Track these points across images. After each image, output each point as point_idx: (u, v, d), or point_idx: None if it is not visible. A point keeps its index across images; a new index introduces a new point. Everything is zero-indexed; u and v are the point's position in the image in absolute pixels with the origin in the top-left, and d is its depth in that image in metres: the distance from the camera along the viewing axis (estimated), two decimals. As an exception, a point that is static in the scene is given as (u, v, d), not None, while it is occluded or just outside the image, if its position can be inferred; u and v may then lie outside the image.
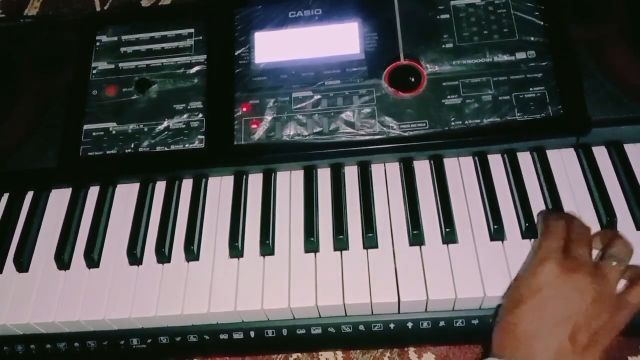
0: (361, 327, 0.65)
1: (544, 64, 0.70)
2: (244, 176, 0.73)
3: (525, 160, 0.70)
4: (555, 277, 0.54)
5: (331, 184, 0.71)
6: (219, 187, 0.73)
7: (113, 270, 0.68)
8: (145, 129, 0.73)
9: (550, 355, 0.52)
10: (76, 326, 0.67)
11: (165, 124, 0.73)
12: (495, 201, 0.66)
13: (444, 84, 0.71)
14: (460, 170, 0.70)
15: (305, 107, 0.72)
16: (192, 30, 0.78)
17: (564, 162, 0.70)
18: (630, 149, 0.69)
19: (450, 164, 0.71)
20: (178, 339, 0.67)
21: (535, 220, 0.64)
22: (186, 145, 0.72)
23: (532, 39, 0.72)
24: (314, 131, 0.71)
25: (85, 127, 0.75)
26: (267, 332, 0.66)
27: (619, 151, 0.69)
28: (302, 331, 0.66)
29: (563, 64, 0.70)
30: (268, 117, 0.72)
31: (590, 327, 0.53)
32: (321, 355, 0.71)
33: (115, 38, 0.79)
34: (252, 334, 0.66)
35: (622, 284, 0.57)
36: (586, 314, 0.53)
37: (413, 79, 0.71)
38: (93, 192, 0.75)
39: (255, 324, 0.66)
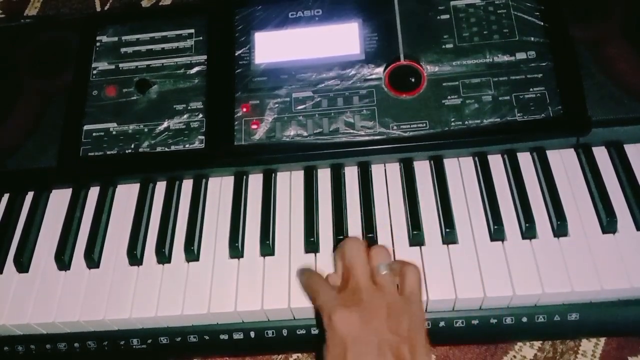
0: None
1: (544, 64, 0.70)
2: (244, 176, 0.73)
3: (525, 160, 0.70)
4: (347, 321, 0.54)
5: (331, 185, 0.71)
6: (219, 188, 0.73)
7: (113, 270, 0.68)
8: (146, 130, 0.73)
9: None
10: (76, 326, 0.67)
11: (165, 124, 0.73)
12: (495, 201, 0.66)
13: (444, 84, 0.71)
14: (460, 170, 0.71)
15: (306, 108, 0.72)
16: (192, 30, 0.78)
17: (564, 162, 0.70)
18: (630, 149, 0.69)
19: (450, 165, 0.71)
20: (178, 339, 0.67)
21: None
22: (186, 146, 0.72)
23: (532, 39, 0.72)
24: (314, 132, 0.71)
25: (86, 127, 0.75)
26: (267, 332, 0.66)
27: (619, 151, 0.69)
28: (302, 331, 0.66)
29: (563, 64, 0.70)
30: (268, 118, 0.72)
31: (402, 337, 0.53)
32: (321, 355, 0.71)
33: (116, 38, 0.79)
34: (252, 334, 0.66)
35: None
36: (391, 330, 0.53)
37: (413, 80, 0.71)
38: (93, 192, 0.75)
39: (255, 324, 0.66)
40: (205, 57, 0.76)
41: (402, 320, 0.54)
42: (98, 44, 0.79)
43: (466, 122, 0.69)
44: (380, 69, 0.72)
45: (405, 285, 0.57)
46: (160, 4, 1.05)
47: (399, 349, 0.52)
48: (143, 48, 0.78)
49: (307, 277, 0.62)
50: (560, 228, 0.64)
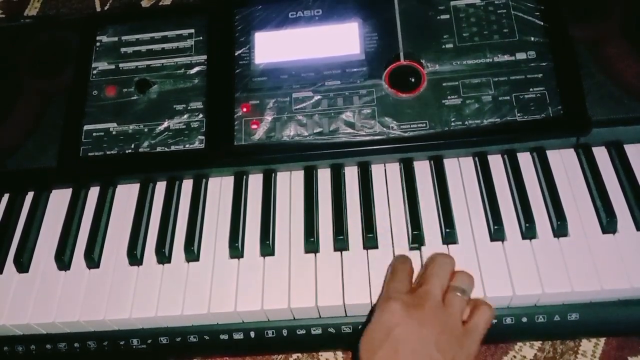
0: (361, 328, 0.65)
1: (544, 64, 0.70)
2: (244, 176, 0.73)
3: (525, 160, 0.70)
4: (402, 316, 0.54)
5: (331, 185, 0.71)
6: (219, 188, 0.73)
7: (113, 270, 0.68)
8: (146, 130, 0.73)
9: None
10: (76, 327, 0.67)
11: (165, 124, 0.73)
12: (495, 201, 0.66)
13: (444, 84, 0.71)
14: (460, 170, 0.71)
15: (306, 108, 0.72)
16: (192, 30, 0.78)
17: (564, 162, 0.70)
18: (630, 149, 0.69)
19: (450, 165, 0.71)
20: (178, 339, 0.67)
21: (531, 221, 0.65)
22: (186, 146, 0.72)
23: (532, 39, 0.72)
24: (314, 132, 0.71)
25: (86, 127, 0.75)
26: (267, 332, 0.66)
27: (619, 151, 0.69)
28: (302, 331, 0.66)
29: (563, 64, 0.70)
30: (268, 118, 0.72)
31: (445, 358, 0.53)
32: (321, 355, 0.71)
33: (116, 38, 0.79)
34: (252, 334, 0.66)
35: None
36: (438, 347, 0.53)
37: (413, 80, 0.71)
38: (93, 192, 0.75)
39: (255, 325, 0.66)
40: (205, 57, 0.76)
41: (453, 346, 0.54)
42: (98, 44, 0.79)
43: (466, 122, 0.69)
44: (380, 69, 0.72)
45: (473, 319, 0.57)
46: (160, 4, 1.05)
47: None
48: (143, 48, 0.78)
49: (398, 261, 0.62)
50: (560, 228, 0.64)
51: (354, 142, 0.70)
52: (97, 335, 0.68)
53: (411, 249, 0.65)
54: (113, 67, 0.78)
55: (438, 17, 0.74)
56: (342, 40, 0.75)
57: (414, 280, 0.61)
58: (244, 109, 0.73)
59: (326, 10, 0.76)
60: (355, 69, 0.73)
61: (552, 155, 0.70)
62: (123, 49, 0.78)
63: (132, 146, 0.73)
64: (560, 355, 0.69)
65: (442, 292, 0.57)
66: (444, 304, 0.56)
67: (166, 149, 0.72)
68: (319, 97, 0.72)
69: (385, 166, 0.72)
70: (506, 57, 0.71)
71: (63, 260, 0.69)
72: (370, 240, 0.66)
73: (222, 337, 0.66)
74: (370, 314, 0.61)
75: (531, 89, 0.69)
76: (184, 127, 0.73)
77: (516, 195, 0.67)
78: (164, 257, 0.68)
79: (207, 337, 0.67)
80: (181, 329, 0.67)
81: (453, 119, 0.69)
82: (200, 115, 0.73)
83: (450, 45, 0.73)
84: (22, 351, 0.69)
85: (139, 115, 0.74)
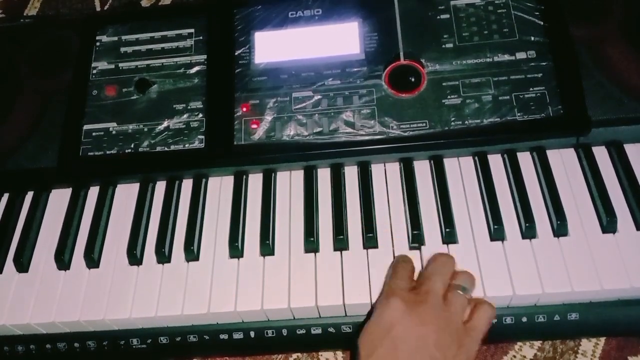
0: (361, 325, 0.65)
1: (544, 64, 0.70)
2: (244, 176, 0.73)
3: (525, 160, 0.70)
4: (402, 313, 0.54)
5: (331, 184, 0.71)
6: (219, 187, 0.73)
7: (113, 270, 0.68)
8: (145, 129, 0.73)
9: None
10: (76, 326, 0.67)
11: (165, 124, 0.73)
12: (495, 201, 0.66)
13: (444, 84, 0.71)
14: (460, 170, 0.71)
15: (305, 107, 0.72)
16: (192, 30, 0.78)
17: (564, 162, 0.70)
18: (630, 149, 0.69)
19: (450, 164, 0.71)
20: (178, 339, 0.67)
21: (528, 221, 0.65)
22: (186, 146, 0.72)
23: (532, 39, 0.72)
24: (314, 131, 0.71)
25: (85, 127, 0.75)
26: (267, 332, 0.66)
27: (619, 151, 0.69)
28: (302, 331, 0.66)
29: (563, 64, 0.70)
30: (268, 117, 0.72)
31: (445, 356, 0.52)
32: (321, 355, 0.71)
33: (115, 38, 0.79)
34: (252, 334, 0.66)
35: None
36: (437, 345, 0.53)
37: (413, 79, 0.71)
38: (93, 192, 0.75)
39: (255, 324, 0.66)
40: (205, 56, 0.76)
41: (452, 345, 0.53)
42: (98, 43, 0.79)
43: (466, 122, 0.69)
44: (380, 69, 0.72)
45: (473, 318, 0.57)
46: (160, 3, 1.05)
47: None
48: (143, 48, 0.78)
49: (399, 260, 0.62)
50: (560, 228, 0.64)
51: (354, 142, 0.70)
52: (97, 335, 0.68)
53: (411, 248, 0.65)
54: (113, 66, 0.78)
55: (438, 17, 0.74)
56: (342, 40, 0.75)
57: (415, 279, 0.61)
58: (244, 109, 0.73)
59: (326, 10, 0.76)
60: (355, 69, 0.73)
61: (552, 155, 0.70)
62: (123, 49, 0.78)
63: (132, 146, 0.73)
64: (560, 355, 0.69)
65: (444, 290, 0.57)
66: (445, 302, 0.56)
67: (166, 149, 0.72)
68: (318, 96, 0.72)
69: (385, 166, 0.72)
70: (506, 57, 0.71)
71: (63, 260, 0.69)
72: (370, 240, 0.66)
73: (222, 337, 0.66)
74: (370, 312, 0.60)
75: (531, 89, 0.69)
76: (184, 126, 0.73)
77: (516, 195, 0.67)
78: (163, 256, 0.68)
79: (207, 337, 0.67)
80: (181, 329, 0.67)
81: (453, 119, 0.69)
82: (200, 115, 0.73)
83: (450, 45, 0.73)
84: (22, 351, 0.69)
85: (138, 115, 0.74)
